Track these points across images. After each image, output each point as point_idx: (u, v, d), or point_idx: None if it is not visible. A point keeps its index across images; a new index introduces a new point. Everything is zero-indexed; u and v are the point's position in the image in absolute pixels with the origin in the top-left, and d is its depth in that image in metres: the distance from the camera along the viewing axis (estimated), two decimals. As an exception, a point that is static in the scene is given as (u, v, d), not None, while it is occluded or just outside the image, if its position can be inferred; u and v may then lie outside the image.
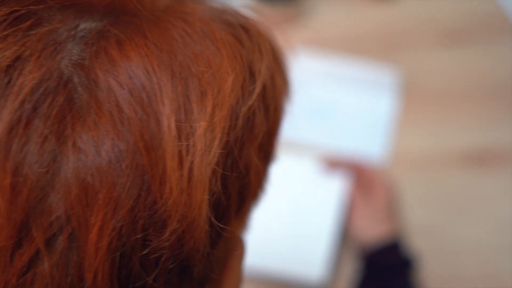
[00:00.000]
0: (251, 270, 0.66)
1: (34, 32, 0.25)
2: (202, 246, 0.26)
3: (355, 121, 0.83)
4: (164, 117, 0.24)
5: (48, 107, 0.23)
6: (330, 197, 0.69)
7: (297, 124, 0.81)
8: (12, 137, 0.23)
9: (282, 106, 0.33)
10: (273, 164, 0.34)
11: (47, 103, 0.23)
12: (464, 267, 0.72)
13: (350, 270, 0.72)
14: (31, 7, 0.25)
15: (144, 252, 0.24)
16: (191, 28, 0.27)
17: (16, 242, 0.23)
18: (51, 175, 0.23)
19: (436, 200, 0.77)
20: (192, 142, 0.25)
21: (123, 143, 0.24)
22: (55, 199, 0.23)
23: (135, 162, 0.24)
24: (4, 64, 0.23)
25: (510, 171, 0.79)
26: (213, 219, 0.26)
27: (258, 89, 0.28)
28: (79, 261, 0.23)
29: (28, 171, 0.23)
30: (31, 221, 0.23)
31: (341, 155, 0.76)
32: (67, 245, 0.23)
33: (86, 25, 0.26)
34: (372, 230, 0.69)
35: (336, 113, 0.83)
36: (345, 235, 0.73)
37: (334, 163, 0.74)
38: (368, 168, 0.75)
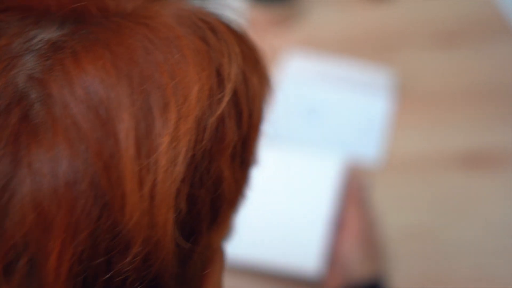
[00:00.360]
0: (246, 263, 0.65)
1: None
2: (171, 266, 0.25)
3: (350, 122, 0.82)
4: (122, 134, 0.23)
5: (0, 127, 0.22)
6: (324, 188, 0.68)
7: (291, 125, 0.81)
8: None
9: (260, 108, 0.32)
10: (254, 168, 0.33)
11: None
12: (458, 270, 0.72)
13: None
14: None
15: (108, 276, 0.23)
16: (155, 34, 0.26)
17: None
18: (6, 200, 0.22)
19: (430, 202, 0.77)
20: (154, 160, 0.24)
21: (80, 164, 0.23)
22: (11, 225, 0.22)
23: (94, 183, 0.23)
24: None
25: (505, 173, 0.79)
26: (179, 239, 0.25)
27: (227, 96, 0.27)
28: None
29: None
30: None
31: None
32: (26, 272, 0.22)
33: (43, 35, 0.25)
34: (361, 265, 0.63)
35: (331, 114, 0.83)
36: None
37: None
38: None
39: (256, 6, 0.91)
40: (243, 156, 0.30)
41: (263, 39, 0.91)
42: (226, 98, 0.27)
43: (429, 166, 0.79)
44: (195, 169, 0.25)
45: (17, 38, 0.24)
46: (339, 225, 0.67)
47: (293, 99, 0.83)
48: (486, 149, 0.80)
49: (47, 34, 0.25)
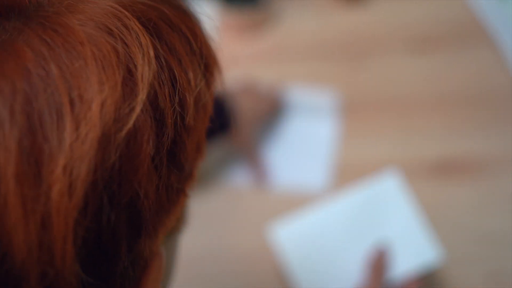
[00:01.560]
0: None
1: None
2: None
3: (298, 148, 0.81)
4: (9, 160, 0.21)
5: None
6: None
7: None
8: None
9: (199, 106, 0.28)
10: (193, 174, 0.30)
11: None
12: (427, 283, 0.71)
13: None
14: None
15: None
16: (56, 42, 0.23)
17: None
18: None
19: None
20: (45, 188, 0.21)
21: None
22: None
23: None
24: None
25: (476, 181, 0.77)
26: (81, 273, 0.23)
27: (139, 105, 0.24)
28: None
29: None
30: None
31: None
32: None
33: None
34: None
35: (279, 141, 0.82)
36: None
37: None
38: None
39: (228, 10, 0.90)
40: (172, 164, 0.27)
41: (235, 44, 0.90)
42: (138, 108, 0.24)
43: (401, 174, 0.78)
44: (101, 193, 0.23)
45: None
46: None
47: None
48: (458, 157, 0.79)
49: None
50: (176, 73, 0.26)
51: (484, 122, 0.83)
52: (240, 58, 0.90)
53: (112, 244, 0.25)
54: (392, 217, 0.67)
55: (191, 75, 0.27)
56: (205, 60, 0.29)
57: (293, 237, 0.66)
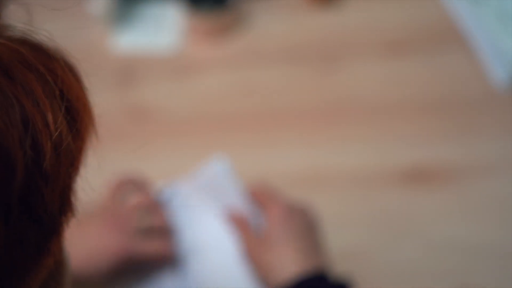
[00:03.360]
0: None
1: None
2: None
3: None
4: None
5: None
6: None
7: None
8: None
9: (56, 150, 0.25)
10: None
11: None
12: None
13: None
14: None
15: None
16: None
17: None
18: None
19: (368, 220, 0.73)
20: None
21: None
22: None
23: None
24: None
25: (446, 189, 0.75)
26: None
27: None
28: None
29: None
30: None
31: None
32: None
33: None
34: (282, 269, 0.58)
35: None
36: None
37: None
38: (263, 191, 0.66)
39: (195, 13, 0.87)
40: (27, 216, 0.24)
41: (202, 48, 0.88)
42: None
43: (367, 182, 0.75)
44: None
45: None
46: None
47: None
48: (428, 164, 0.77)
49: None
50: (28, 113, 0.24)
51: (457, 128, 0.80)
52: (208, 62, 0.87)
53: None
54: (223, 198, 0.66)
55: (50, 117, 0.25)
56: (68, 104, 0.26)
57: None
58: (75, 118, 0.26)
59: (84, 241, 0.55)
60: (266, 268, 0.60)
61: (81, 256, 0.54)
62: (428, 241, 0.72)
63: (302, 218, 0.63)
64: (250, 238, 0.63)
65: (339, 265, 0.69)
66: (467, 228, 0.73)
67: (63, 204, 0.26)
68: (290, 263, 0.58)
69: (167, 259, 0.62)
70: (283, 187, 0.70)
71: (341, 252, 0.70)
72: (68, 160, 0.26)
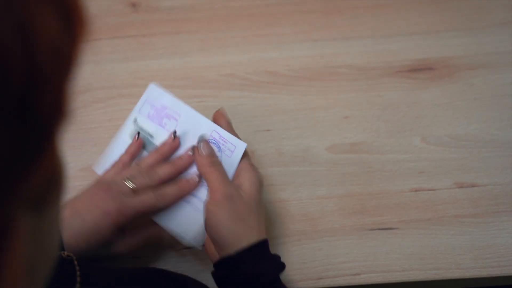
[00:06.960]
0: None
1: None
2: None
3: None
4: None
5: None
6: None
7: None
8: None
9: (54, 51, 0.24)
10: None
11: None
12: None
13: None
14: None
15: None
16: None
17: None
18: None
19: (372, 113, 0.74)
20: None
21: None
22: None
23: None
24: None
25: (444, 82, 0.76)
26: None
27: None
28: None
29: None
30: None
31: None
32: None
33: None
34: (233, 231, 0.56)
35: None
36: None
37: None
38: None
39: None
40: (25, 113, 0.23)
41: None
42: None
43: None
44: None
45: None
46: None
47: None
48: (432, 58, 0.78)
49: None
50: (24, 11, 0.23)
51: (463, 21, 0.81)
52: None
53: None
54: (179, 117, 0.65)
55: (45, 15, 0.24)
56: (65, 7, 0.25)
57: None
58: (70, 18, 0.26)
59: (78, 209, 0.57)
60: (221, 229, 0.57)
61: (76, 224, 0.56)
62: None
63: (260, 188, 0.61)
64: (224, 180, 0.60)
65: (347, 155, 0.72)
66: (468, 124, 0.74)
67: (57, 110, 0.25)
68: (244, 238, 0.57)
69: (159, 206, 0.61)
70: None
71: (350, 142, 0.72)
72: (64, 66, 0.25)
